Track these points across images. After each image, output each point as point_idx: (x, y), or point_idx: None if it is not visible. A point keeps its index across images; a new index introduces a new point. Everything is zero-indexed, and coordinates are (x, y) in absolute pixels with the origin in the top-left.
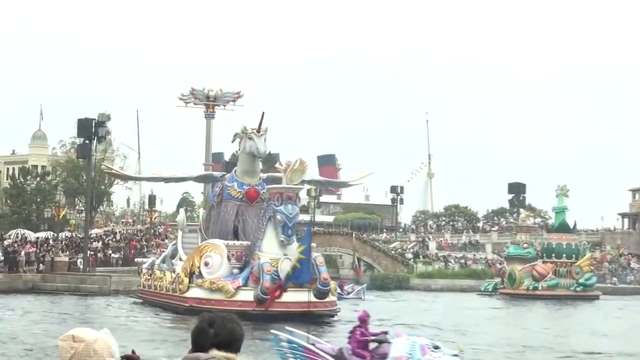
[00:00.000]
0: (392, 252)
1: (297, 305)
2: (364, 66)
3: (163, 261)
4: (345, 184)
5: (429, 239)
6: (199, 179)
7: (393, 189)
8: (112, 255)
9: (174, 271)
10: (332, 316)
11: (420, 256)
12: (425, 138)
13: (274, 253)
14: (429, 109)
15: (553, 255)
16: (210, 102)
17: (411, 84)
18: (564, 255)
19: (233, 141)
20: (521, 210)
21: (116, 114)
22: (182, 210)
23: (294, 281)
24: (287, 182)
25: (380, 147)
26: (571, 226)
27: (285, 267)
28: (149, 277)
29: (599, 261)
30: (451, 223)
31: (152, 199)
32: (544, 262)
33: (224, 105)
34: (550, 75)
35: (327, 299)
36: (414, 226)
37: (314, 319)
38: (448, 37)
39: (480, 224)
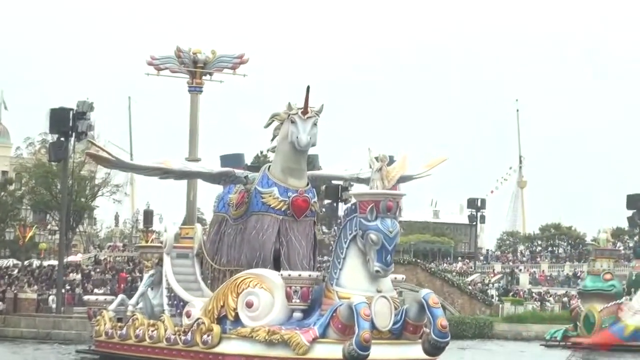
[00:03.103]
0: (470, 287)
1: None
2: (425, 48)
3: (138, 300)
4: (408, 178)
5: (520, 270)
6: (216, 177)
7: (471, 203)
8: (95, 290)
9: (181, 313)
10: None
11: (509, 293)
12: (514, 134)
13: (364, 289)
14: (519, 96)
15: None
16: (197, 69)
17: (493, 67)
18: None
19: (267, 125)
20: (601, 228)
21: (101, 102)
22: (169, 226)
23: None
24: (384, 185)
25: (454, 148)
26: None
27: (381, 310)
28: (119, 324)
29: None
30: (550, 249)
31: (148, 215)
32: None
33: (210, 75)
34: None
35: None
36: (499, 253)
37: None
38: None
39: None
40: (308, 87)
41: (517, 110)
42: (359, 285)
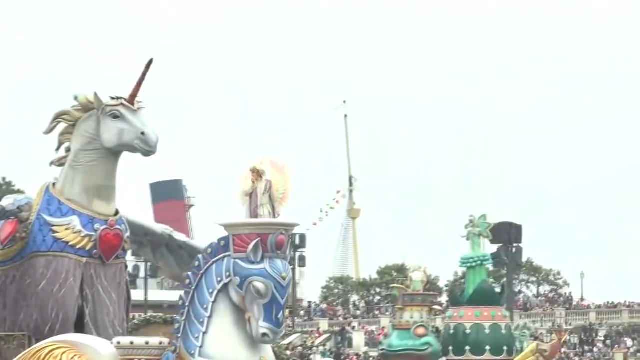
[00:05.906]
0: (288, 352)
1: None
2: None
3: None
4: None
5: (354, 327)
6: None
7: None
8: None
9: None
10: None
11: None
12: (342, 147)
13: (242, 358)
14: (347, 97)
15: (467, 348)
16: None
17: (318, 63)
18: (488, 347)
19: (50, 130)
20: (410, 263)
21: None
22: None
23: None
24: (275, 211)
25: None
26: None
27: None
28: None
29: (550, 355)
30: (391, 298)
31: None
32: None
33: None
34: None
35: None
36: (325, 305)
37: None
38: None
39: (442, 299)
40: (151, 60)
41: (346, 116)
42: (234, 355)
